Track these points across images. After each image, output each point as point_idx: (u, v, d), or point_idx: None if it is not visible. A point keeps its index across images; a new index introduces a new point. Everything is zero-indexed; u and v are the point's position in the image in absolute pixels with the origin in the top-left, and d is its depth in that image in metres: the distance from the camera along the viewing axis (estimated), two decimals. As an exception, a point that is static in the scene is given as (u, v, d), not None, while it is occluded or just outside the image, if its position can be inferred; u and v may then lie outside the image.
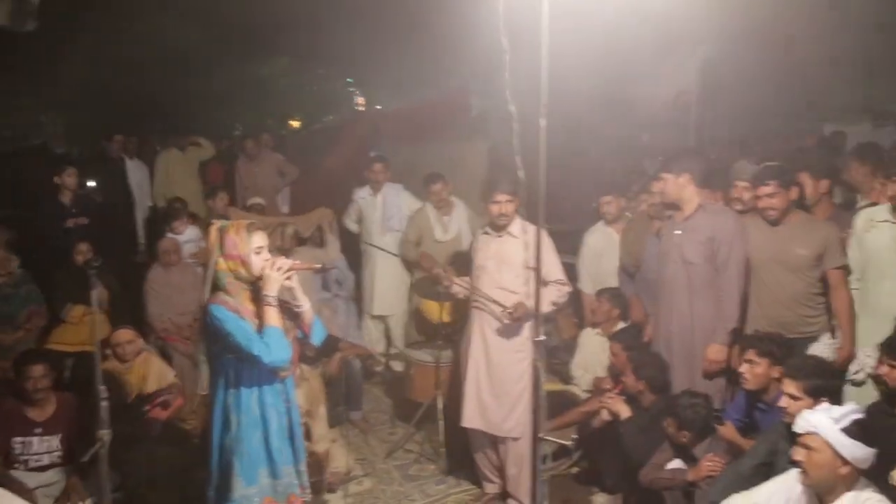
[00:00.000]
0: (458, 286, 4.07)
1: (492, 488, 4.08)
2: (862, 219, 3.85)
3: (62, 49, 11.92)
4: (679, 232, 3.77)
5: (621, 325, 4.55)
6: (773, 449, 3.00)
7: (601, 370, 4.57)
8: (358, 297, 6.05)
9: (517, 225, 3.82)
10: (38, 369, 3.77)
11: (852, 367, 3.69)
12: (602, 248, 5.12)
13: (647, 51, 7.65)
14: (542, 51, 2.14)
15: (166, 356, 4.93)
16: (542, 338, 2.27)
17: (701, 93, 7.67)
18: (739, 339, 3.64)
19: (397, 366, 5.95)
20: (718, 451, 3.28)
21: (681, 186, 3.73)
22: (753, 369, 3.32)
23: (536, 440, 2.20)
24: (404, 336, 5.99)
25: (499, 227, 3.89)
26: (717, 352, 3.65)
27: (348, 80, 15.46)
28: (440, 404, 4.47)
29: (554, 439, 2.33)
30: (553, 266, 3.84)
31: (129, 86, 12.91)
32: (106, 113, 12.52)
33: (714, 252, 3.66)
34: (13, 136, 14.71)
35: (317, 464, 3.94)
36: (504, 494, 4.02)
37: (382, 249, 5.81)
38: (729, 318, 3.65)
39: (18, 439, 3.79)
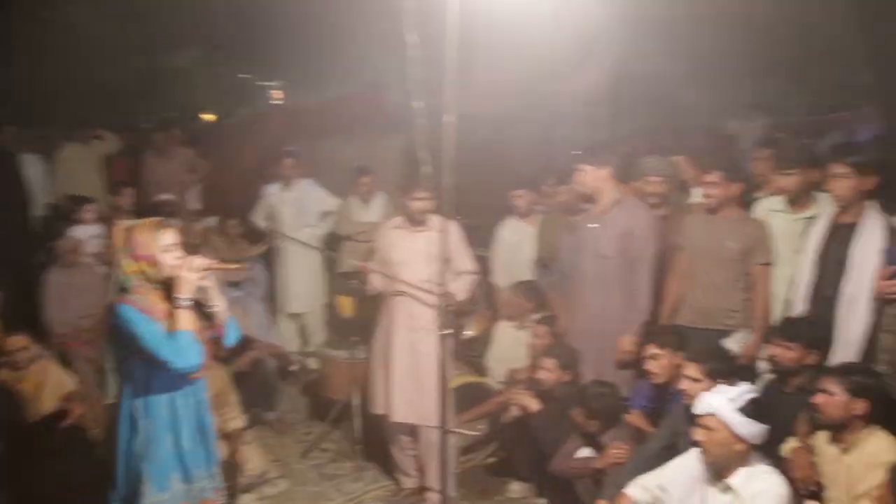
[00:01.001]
0: (379, 280, 4.02)
1: (409, 482, 4.09)
2: (760, 208, 4.02)
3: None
4: (595, 225, 3.86)
5: (535, 317, 4.63)
6: (676, 431, 3.14)
7: (515, 363, 4.65)
8: (271, 296, 5.94)
9: (434, 218, 3.82)
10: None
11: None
12: (515, 242, 5.21)
13: (559, 45, 7.81)
14: (446, 45, 2.16)
15: (66, 362, 4.69)
16: (450, 331, 2.28)
17: (612, 88, 7.87)
18: (645, 331, 3.76)
19: (313, 364, 5.88)
20: (625, 438, 3.40)
21: (601, 179, 3.82)
22: (658, 362, 3.44)
23: (444, 433, 2.21)
24: (319, 334, 5.93)
25: (417, 222, 3.88)
26: (628, 343, 3.77)
27: (263, 73, 15.14)
28: (356, 401, 4.44)
29: (463, 431, 2.36)
30: (465, 258, 3.89)
31: (27, 74, 12.22)
32: (2, 104, 11.81)
33: (628, 246, 3.77)
34: None
35: (230, 466, 3.85)
36: (421, 489, 4.04)
37: (305, 244, 5.67)
38: (641, 310, 3.79)
39: None
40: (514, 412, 3.91)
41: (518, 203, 5.15)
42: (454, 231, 3.73)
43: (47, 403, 4.19)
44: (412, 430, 3.93)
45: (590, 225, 3.91)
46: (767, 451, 2.75)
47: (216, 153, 7.87)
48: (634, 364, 3.82)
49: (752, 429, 2.59)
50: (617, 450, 3.32)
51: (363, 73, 11.14)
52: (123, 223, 2.75)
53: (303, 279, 5.85)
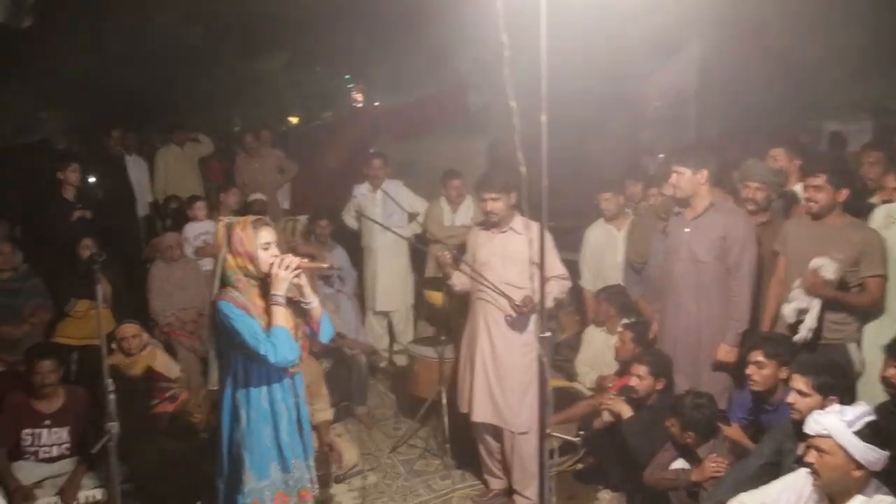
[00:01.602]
0: (462, 274, 4.06)
1: (497, 484, 4.09)
2: (882, 214, 3.79)
3: (62, 45, 11.89)
4: (689, 230, 3.78)
5: (623, 321, 4.57)
6: (780, 448, 3.00)
7: (605, 368, 4.61)
8: (360, 294, 6.07)
9: (519, 221, 3.81)
10: (46, 364, 3.81)
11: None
12: (602, 245, 5.15)
13: (646, 47, 7.69)
14: (541, 46, 2.16)
15: (171, 350, 4.95)
16: (548, 334, 2.29)
17: (700, 89, 7.69)
18: (747, 340, 3.62)
19: (401, 361, 5.99)
20: (722, 451, 3.29)
21: (696, 182, 3.71)
22: (761, 371, 3.32)
23: (544, 436, 2.22)
24: (407, 332, 6.03)
25: (492, 223, 3.90)
26: (726, 353, 3.67)
27: (346, 76, 15.45)
28: (444, 400, 4.49)
29: (561, 436, 2.35)
30: (553, 261, 3.87)
31: (129, 82, 12.86)
32: (105, 109, 12.49)
33: (724, 251, 3.67)
34: (14, 132, 14.67)
35: (322, 457, 3.97)
36: (509, 490, 4.04)
37: (399, 235, 5.71)
38: (740, 319, 3.66)
39: (28, 431, 3.83)
40: (606, 418, 3.86)
41: (605, 206, 5.10)
42: (546, 236, 3.71)
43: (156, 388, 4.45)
44: (496, 432, 3.94)
45: (685, 229, 3.83)
46: (886, 478, 2.52)
47: (303, 155, 8.11)
48: (732, 374, 3.72)
49: (872, 455, 2.37)
50: (714, 463, 3.22)
51: (444, 75, 11.25)
52: (225, 220, 2.84)
53: (389, 278, 5.95)
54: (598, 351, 4.71)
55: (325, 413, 4.27)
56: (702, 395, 3.44)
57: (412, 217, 5.77)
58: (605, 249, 5.13)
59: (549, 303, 3.73)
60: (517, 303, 3.70)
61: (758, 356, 3.33)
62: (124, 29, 12.70)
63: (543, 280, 2.28)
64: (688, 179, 3.74)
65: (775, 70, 7.49)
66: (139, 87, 12.89)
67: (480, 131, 7.98)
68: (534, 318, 3.76)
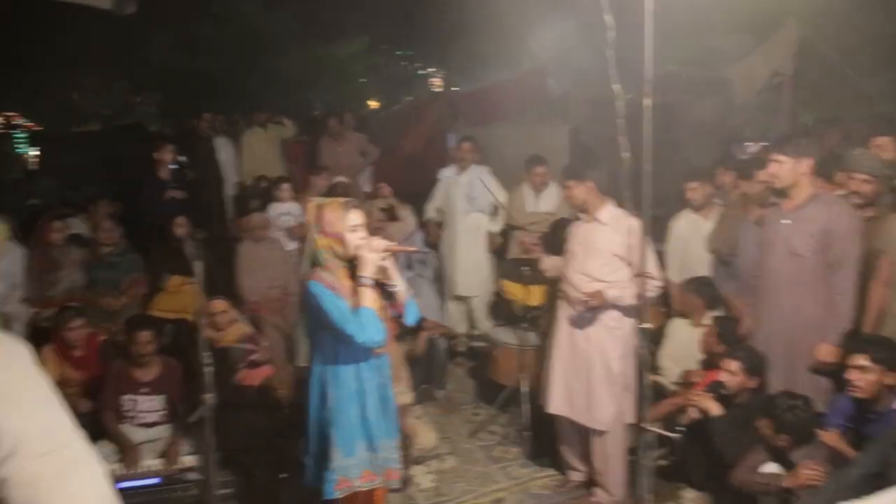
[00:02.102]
0: (548, 262, 4.01)
1: (577, 476, 4.05)
2: None
3: (155, 32, 12.39)
4: (787, 222, 3.61)
5: (710, 315, 4.43)
6: (886, 460, 2.84)
7: (691, 362, 4.48)
8: (439, 278, 6.10)
9: (606, 211, 3.72)
10: (144, 335, 4.00)
11: None
12: (688, 236, 5.01)
13: (738, 28, 7.38)
14: (645, 26, 2.09)
15: (257, 327, 5.10)
16: (648, 325, 2.23)
17: (796, 73, 7.30)
18: (848, 341, 3.44)
19: (480, 347, 6.00)
20: (818, 458, 3.15)
21: (797, 172, 3.53)
22: (865, 376, 3.14)
23: (640, 429, 2.17)
24: (486, 318, 6.03)
25: (580, 212, 3.83)
26: (827, 353, 3.49)
27: (426, 60, 15.55)
28: (524, 388, 4.47)
29: (661, 431, 2.29)
30: (646, 257, 3.76)
31: (216, 66, 13.32)
32: (193, 93, 12.97)
33: (826, 246, 3.49)
34: (111, 115, 15.47)
35: (403, 439, 4.02)
36: (590, 482, 3.99)
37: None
38: (843, 317, 3.48)
39: (127, 397, 4.04)
40: (692, 415, 3.75)
41: (692, 195, 4.94)
42: (635, 227, 3.60)
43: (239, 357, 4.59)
44: (577, 423, 3.87)
45: (782, 221, 3.66)
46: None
47: (382, 138, 8.18)
48: (833, 376, 3.55)
49: None
50: (810, 470, 3.08)
51: (523, 60, 11.12)
52: (315, 200, 2.89)
53: (471, 263, 5.96)
54: (683, 344, 4.58)
55: (405, 396, 4.31)
56: (797, 397, 3.30)
57: (495, 210, 5.75)
58: (691, 240, 4.98)
59: (630, 300, 3.62)
60: (584, 297, 3.62)
61: (862, 360, 3.16)
62: (212, 17, 13.13)
63: (643, 271, 2.20)
64: (788, 169, 3.56)
65: (881, 53, 7.05)
66: (225, 72, 13.34)
67: (560, 118, 7.86)
68: (616, 311, 3.68)
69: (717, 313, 4.41)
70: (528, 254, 4.05)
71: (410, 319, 2.99)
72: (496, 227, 5.99)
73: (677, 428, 3.61)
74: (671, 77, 6.99)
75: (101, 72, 14.77)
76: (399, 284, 2.89)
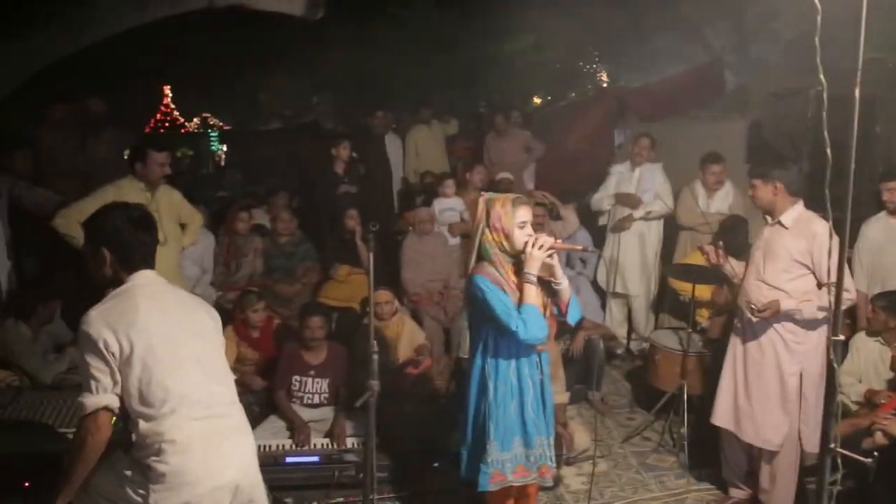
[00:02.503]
0: (730, 266, 3.77)
1: (738, 493, 3.81)
2: None
3: (335, 34, 13.17)
4: None
5: (905, 334, 3.96)
6: None
7: (876, 381, 4.06)
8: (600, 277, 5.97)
9: (792, 213, 3.44)
10: (316, 321, 4.27)
11: None
12: (883, 241, 4.54)
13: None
14: (861, 5, 1.87)
15: (417, 319, 5.27)
16: (841, 338, 2.02)
17: None
18: None
19: (637, 349, 5.80)
20: None
21: None
22: None
23: (827, 451, 1.98)
24: (648, 321, 5.81)
25: (768, 214, 3.55)
26: None
27: (593, 55, 15.20)
28: (685, 394, 4.26)
29: (851, 454, 2.07)
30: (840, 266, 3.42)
31: (386, 66, 13.91)
32: (364, 92, 13.65)
33: None
34: (292, 115, 16.72)
35: (556, 439, 3.97)
36: (752, 501, 3.74)
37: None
38: None
39: (297, 378, 4.33)
40: (878, 440, 3.40)
41: (891, 197, 4.43)
42: (820, 233, 3.29)
43: (403, 352, 4.78)
44: (745, 441, 3.63)
45: None
46: None
47: (547, 135, 8.11)
48: None
49: None
50: None
51: (697, 53, 10.54)
52: (486, 195, 2.91)
53: (634, 262, 5.79)
54: (869, 362, 4.15)
55: (562, 396, 4.27)
56: None
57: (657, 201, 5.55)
58: (886, 247, 4.51)
59: (812, 313, 3.31)
60: (754, 306, 3.37)
61: None
62: (387, 16, 13.72)
63: (841, 280, 2.01)
64: None
65: None
66: (395, 72, 13.90)
67: (737, 112, 7.37)
68: (795, 324, 3.38)
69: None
70: (708, 262, 3.84)
71: (573, 318, 2.97)
72: (660, 225, 5.76)
73: (873, 454, 3.25)
74: (873, 64, 6.30)
75: (286, 74, 15.95)
76: (564, 282, 2.88)
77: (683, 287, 4.93)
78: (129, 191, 4.07)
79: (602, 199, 5.95)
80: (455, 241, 5.89)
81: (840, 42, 2.13)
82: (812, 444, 3.43)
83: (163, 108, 19.15)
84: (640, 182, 5.74)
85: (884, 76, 6.30)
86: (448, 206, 6.11)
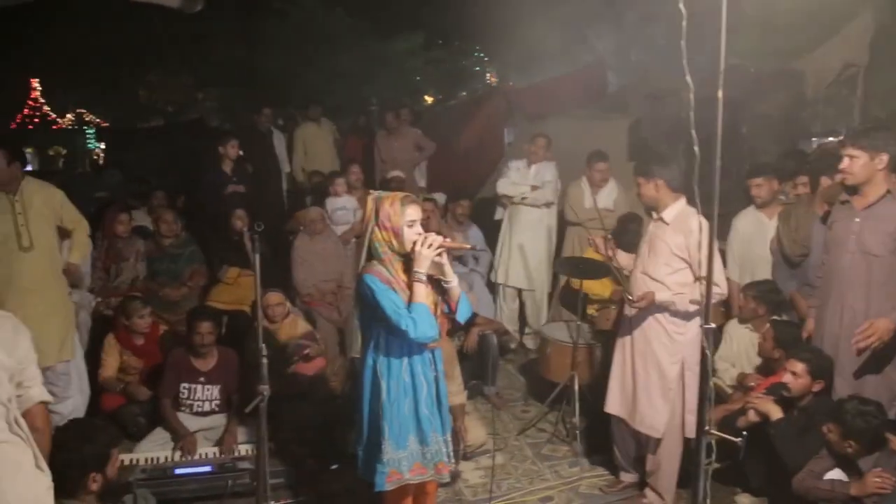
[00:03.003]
0: (622, 258, 3.91)
1: (628, 477, 3.98)
2: None
3: (216, 30, 12.73)
4: (859, 220, 3.45)
5: (771, 319, 4.27)
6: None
7: (748, 366, 4.35)
8: (492, 273, 6.08)
9: (672, 210, 3.59)
10: (205, 326, 4.10)
11: None
12: (752, 234, 4.83)
13: (807, 18, 7.08)
14: (721, 12, 1.99)
15: (310, 320, 5.17)
16: (712, 325, 2.14)
17: (869, 66, 6.95)
18: None
19: (530, 343, 5.95)
20: (889, 466, 3.01)
21: (873, 168, 3.36)
22: None
23: (702, 433, 2.10)
24: (540, 315, 5.97)
25: (650, 209, 3.74)
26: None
27: (482, 56, 15.49)
28: (576, 385, 4.40)
29: (723, 435, 2.21)
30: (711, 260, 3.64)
31: (275, 62, 13.59)
32: (250, 88, 13.28)
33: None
34: (175, 111, 16.01)
35: (453, 435, 4.00)
36: (641, 484, 3.92)
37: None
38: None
39: (185, 385, 4.15)
40: (751, 417, 3.63)
41: (757, 192, 4.75)
42: (696, 228, 3.46)
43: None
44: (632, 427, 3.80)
45: (855, 219, 3.49)
46: None
47: (438, 133, 8.18)
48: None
49: None
50: (879, 478, 2.96)
51: (581, 54, 10.95)
52: (375, 194, 2.88)
53: (527, 256, 5.91)
54: (741, 348, 4.44)
55: (459, 396, 4.26)
56: (869, 403, 3.15)
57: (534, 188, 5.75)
58: (755, 239, 4.80)
59: (685, 306, 3.49)
60: (630, 297, 3.54)
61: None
62: (268, 13, 13.40)
63: (711, 270, 2.13)
64: (863, 165, 3.38)
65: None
66: (283, 68, 13.59)
67: (619, 112, 7.70)
68: (677, 316, 3.56)
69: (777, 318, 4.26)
70: (599, 253, 3.97)
71: (462, 316, 2.97)
72: (554, 221, 5.92)
73: (742, 433, 3.49)
74: (735, 70, 6.74)
75: (167, 68, 15.26)
76: (453, 280, 2.88)
77: (588, 287, 5.08)
78: None
79: (508, 185, 5.98)
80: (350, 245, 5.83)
81: (707, 48, 2.27)
82: (692, 430, 3.61)
83: (31, 102, 17.81)
84: (536, 179, 5.88)
85: (745, 82, 6.77)
86: (340, 206, 6.03)
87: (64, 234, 4.15)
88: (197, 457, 3.87)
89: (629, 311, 3.69)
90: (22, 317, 3.69)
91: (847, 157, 3.43)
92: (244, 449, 3.94)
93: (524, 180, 5.90)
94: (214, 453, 3.91)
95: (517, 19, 11.42)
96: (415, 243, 2.75)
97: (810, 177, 4.68)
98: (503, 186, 6.00)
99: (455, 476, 3.93)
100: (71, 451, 2.39)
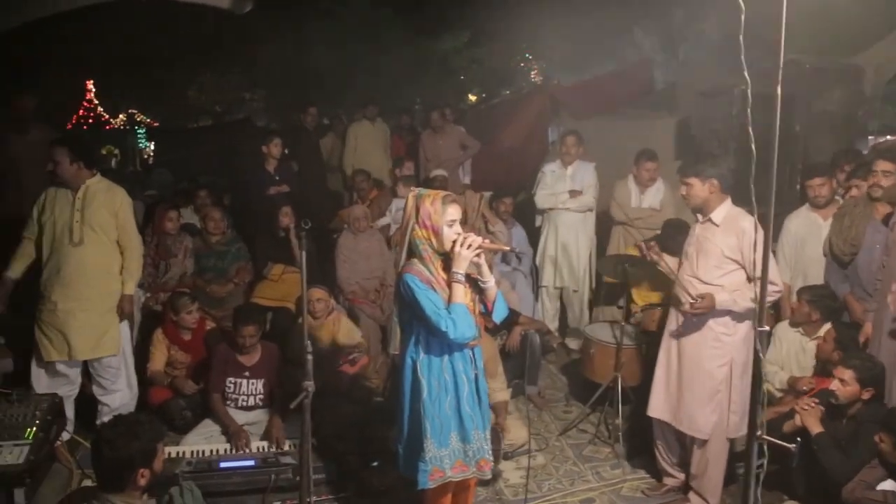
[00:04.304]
0: (665, 263, 3.84)
1: (671, 481, 3.90)
2: None
3: (262, 29, 12.92)
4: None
5: (826, 327, 4.13)
6: None
7: (797, 370, 4.23)
8: (536, 272, 6.02)
9: (721, 211, 3.51)
10: (249, 329, 4.18)
11: None
12: (805, 235, 4.69)
13: (868, 12, 6.82)
14: (782, 5, 1.93)
15: (353, 317, 5.20)
16: (766, 328, 2.08)
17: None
18: None
19: (572, 344, 5.88)
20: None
21: None
22: None
23: (753, 438, 2.04)
24: (582, 315, 5.90)
25: (698, 211, 3.64)
26: None
27: (526, 54, 15.40)
28: (619, 386, 4.34)
29: (776, 441, 2.14)
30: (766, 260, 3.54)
31: (320, 62, 13.74)
32: (299, 88, 13.45)
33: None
34: (223, 111, 16.34)
35: (494, 434, 3.99)
36: (685, 488, 3.84)
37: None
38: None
39: (231, 380, 4.22)
40: (798, 422, 3.52)
41: (816, 192, 4.59)
42: (748, 229, 3.38)
43: (339, 351, 4.71)
44: (677, 430, 3.72)
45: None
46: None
47: (482, 132, 8.16)
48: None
49: None
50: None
51: (627, 52, 10.79)
52: (416, 191, 2.88)
53: (570, 257, 5.85)
54: (791, 352, 4.31)
55: (502, 393, 4.28)
56: (922, 412, 3.03)
57: (573, 194, 5.66)
58: (808, 241, 4.66)
59: (745, 304, 3.40)
60: (691, 300, 3.45)
61: None
62: (317, 14, 13.54)
63: (766, 269, 2.07)
64: None
65: None
66: (330, 68, 13.74)
67: (667, 110, 7.56)
68: (726, 318, 3.48)
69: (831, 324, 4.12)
70: (644, 257, 3.91)
71: (499, 317, 2.96)
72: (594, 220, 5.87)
73: (797, 440, 3.39)
74: (792, 66, 6.55)
75: (216, 69, 15.58)
76: (490, 281, 2.87)
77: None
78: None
79: (546, 197, 5.92)
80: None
81: (762, 43, 2.20)
82: (736, 430, 3.55)
83: (86, 103, 18.40)
84: (574, 180, 5.81)
85: (801, 78, 6.56)
86: (402, 206, 6.03)
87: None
88: (256, 450, 3.92)
89: (680, 313, 3.61)
90: (62, 307, 3.91)
91: None
92: (288, 444, 3.99)
93: (562, 183, 5.82)
94: (261, 447, 3.96)
95: (562, 17, 11.31)
96: (454, 243, 2.75)
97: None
98: (542, 200, 5.92)
99: (496, 475, 3.91)
100: (119, 450, 2.43)
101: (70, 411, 4.08)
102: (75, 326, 3.98)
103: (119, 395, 4.27)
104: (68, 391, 4.11)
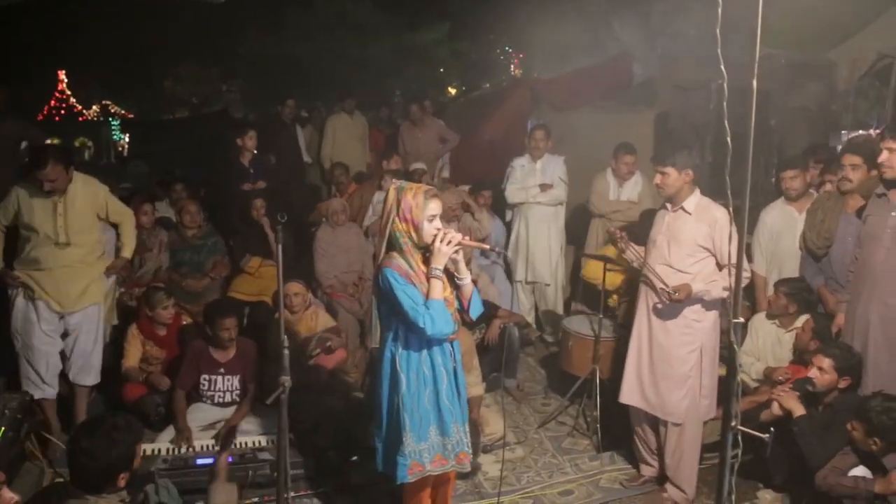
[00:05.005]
0: (633, 251, 3.87)
1: (648, 471, 3.95)
2: None
3: (241, 20, 12.78)
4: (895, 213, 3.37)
5: (802, 318, 4.18)
6: None
7: (772, 361, 4.28)
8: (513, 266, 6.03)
9: (693, 200, 3.57)
10: (230, 321, 4.13)
11: None
12: (780, 228, 4.73)
13: (841, 7, 6.90)
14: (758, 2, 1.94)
15: (332, 311, 5.17)
16: (740, 320, 2.10)
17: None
18: None
19: (550, 337, 5.90)
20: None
21: None
22: None
23: (728, 428, 2.06)
24: (556, 308, 5.92)
25: (665, 199, 3.67)
26: None
27: (506, 47, 15.38)
28: (597, 379, 4.37)
29: (750, 431, 2.16)
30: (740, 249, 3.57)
31: (298, 53, 13.60)
32: (277, 80, 13.31)
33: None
34: (200, 103, 16.14)
35: (472, 427, 3.99)
36: (661, 478, 3.88)
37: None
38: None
39: (206, 376, 4.18)
40: (775, 411, 3.57)
41: (790, 185, 4.63)
42: (720, 218, 3.42)
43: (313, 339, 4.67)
44: (652, 417, 3.78)
45: (892, 213, 3.41)
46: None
47: (462, 125, 8.13)
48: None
49: None
50: (904, 477, 2.90)
51: (607, 46, 10.81)
52: (398, 183, 2.85)
53: (541, 251, 5.86)
54: (766, 343, 4.37)
55: (477, 388, 4.27)
56: (893, 399, 3.10)
57: (544, 188, 5.68)
58: (784, 234, 4.70)
59: (719, 293, 3.46)
60: (667, 289, 3.49)
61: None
62: (298, 4, 13.41)
63: (740, 260, 2.08)
64: None
65: None
66: (309, 60, 13.61)
67: (646, 104, 7.59)
68: (698, 305, 3.52)
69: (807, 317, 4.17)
70: (615, 244, 3.93)
71: (474, 313, 2.97)
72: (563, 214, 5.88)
73: (770, 430, 3.44)
74: (767, 61, 6.57)
75: (193, 60, 15.38)
76: (466, 278, 2.87)
77: (595, 275, 5.03)
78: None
79: (517, 191, 5.90)
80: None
81: (738, 38, 2.21)
82: (707, 414, 3.63)
83: (57, 94, 18.08)
84: (544, 174, 5.79)
85: (776, 72, 6.62)
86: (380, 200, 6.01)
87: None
88: (200, 448, 3.88)
89: (650, 300, 3.65)
90: (53, 274, 4.00)
91: (886, 150, 3.37)
92: (264, 440, 3.96)
93: (531, 177, 5.81)
94: (239, 444, 3.91)
95: (542, 10, 11.31)
96: (434, 238, 2.73)
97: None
98: (512, 194, 5.90)
99: (475, 468, 3.92)
100: (99, 460, 2.38)
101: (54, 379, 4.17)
102: (70, 281, 4.12)
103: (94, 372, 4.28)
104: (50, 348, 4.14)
